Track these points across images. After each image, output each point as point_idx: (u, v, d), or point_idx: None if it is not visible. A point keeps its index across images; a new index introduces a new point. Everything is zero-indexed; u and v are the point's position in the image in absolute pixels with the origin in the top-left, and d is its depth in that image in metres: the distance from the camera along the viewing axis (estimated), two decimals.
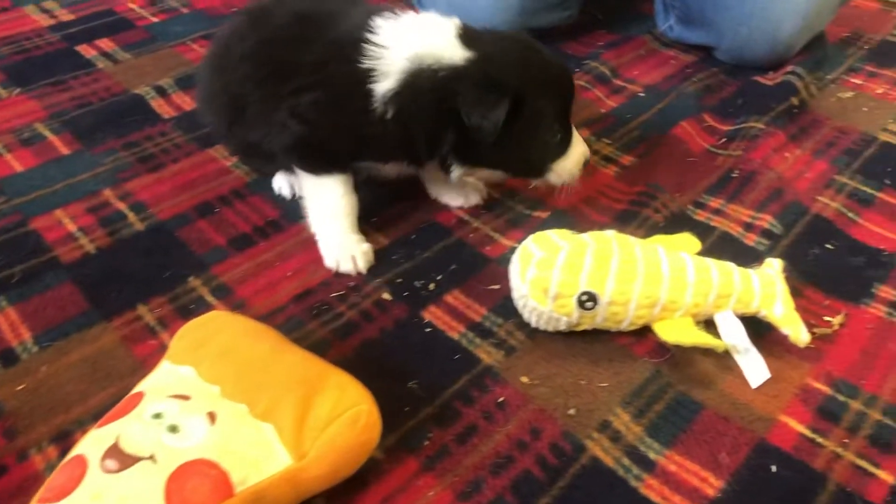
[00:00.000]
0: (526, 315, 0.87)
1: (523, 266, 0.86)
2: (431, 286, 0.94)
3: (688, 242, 0.93)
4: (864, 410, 0.80)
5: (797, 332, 0.85)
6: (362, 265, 0.96)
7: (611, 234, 0.88)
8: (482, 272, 0.96)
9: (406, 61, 0.90)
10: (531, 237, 0.89)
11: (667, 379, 0.83)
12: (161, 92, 1.30)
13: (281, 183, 1.08)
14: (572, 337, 0.87)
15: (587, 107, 1.28)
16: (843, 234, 1.04)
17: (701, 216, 1.06)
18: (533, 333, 0.88)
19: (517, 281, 0.86)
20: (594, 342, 0.87)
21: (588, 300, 0.83)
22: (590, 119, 1.25)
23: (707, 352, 0.85)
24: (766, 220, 1.04)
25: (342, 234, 0.97)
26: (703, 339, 0.83)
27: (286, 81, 0.93)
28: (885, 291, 0.95)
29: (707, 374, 0.84)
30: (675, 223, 1.04)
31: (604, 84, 1.35)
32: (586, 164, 0.99)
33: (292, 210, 1.04)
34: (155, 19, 1.55)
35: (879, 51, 1.49)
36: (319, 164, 0.96)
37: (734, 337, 0.84)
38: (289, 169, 1.04)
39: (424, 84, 0.89)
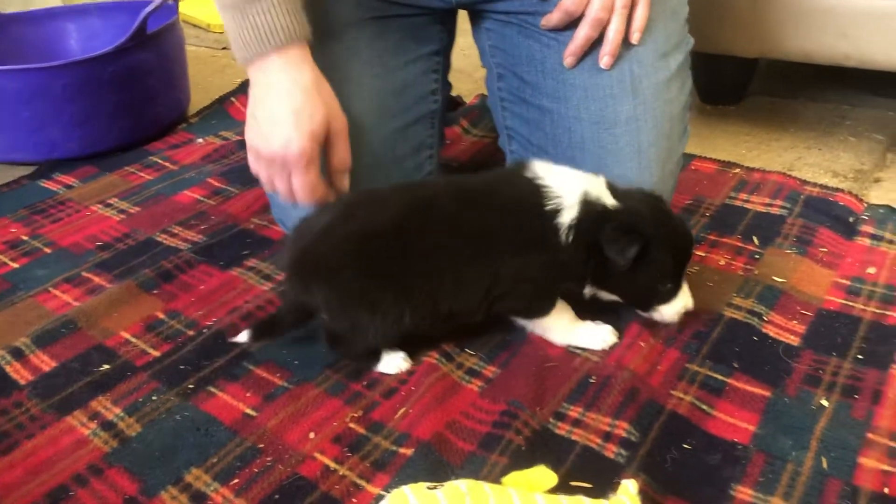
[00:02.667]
0: None
1: None
2: None
3: (543, 477, 0.94)
4: None
5: None
6: (614, 337, 1.23)
7: (464, 488, 0.88)
8: None
9: (580, 196, 1.13)
10: (389, 497, 0.89)
11: None
12: (17, 354, 1.26)
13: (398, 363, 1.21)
14: None
15: None
16: (699, 431, 1.08)
17: (562, 429, 1.08)
18: None
19: None
20: None
21: None
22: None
23: None
24: (624, 428, 1.07)
25: (587, 329, 1.23)
26: None
27: (483, 249, 1.15)
28: (741, 492, 0.98)
29: None
30: (537, 444, 1.05)
31: None
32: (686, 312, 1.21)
33: (153, 484, 1.01)
34: (15, 264, 1.53)
35: (719, 217, 1.59)
36: (545, 308, 1.21)
37: None
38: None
39: (590, 216, 1.13)
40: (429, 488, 0.88)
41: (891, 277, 1.39)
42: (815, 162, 1.85)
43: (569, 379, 1.18)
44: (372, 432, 1.09)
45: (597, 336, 1.23)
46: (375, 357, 1.20)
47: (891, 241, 1.50)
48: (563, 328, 1.23)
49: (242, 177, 1.78)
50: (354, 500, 0.99)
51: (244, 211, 1.68)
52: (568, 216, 1.13)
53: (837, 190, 1.68)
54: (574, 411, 1.11)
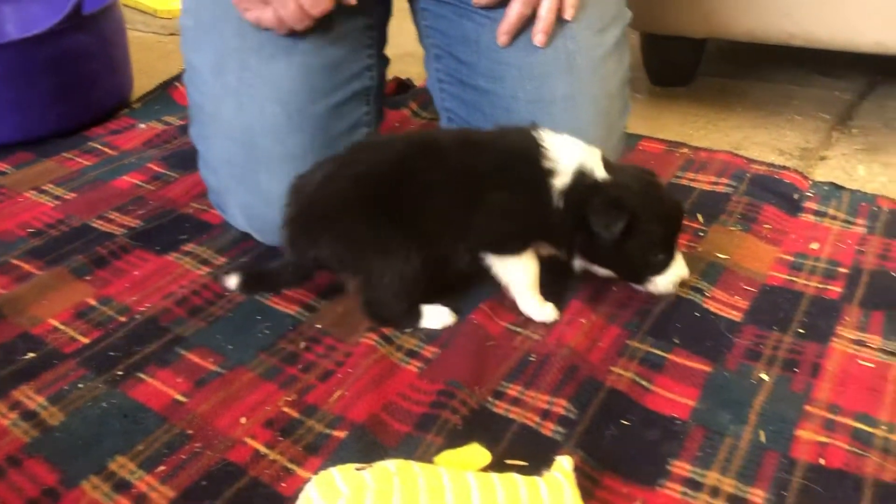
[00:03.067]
0: None
1: None
2: None
3: (476, 455, 0.92)
4: None
5: None
6: (555, 314, 1.23)
7: (393, 468, 0.85)
8: None
9: (576, 165, 1.15)
10: (315, 479, 0.86)
11: None
12: None
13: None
14: None
15: None
16: (638, 407, 1.06)
17: (500, 408, 1.06)
18: None
19: None
20: None
21: None
22: None
23: None
24: (562, 405, 1.05)
25: (533, 294, 1.23)
26: None
27: (476, 187, 1.16)
28: (678, 467, 0.97)
29: None
30: (474, 423, 1.03)
31: None
32: (680, 282, 1.22)
33: (74, 474, 0.97)
34: None
35: None
36: (516, 247, 1.20)
37: None
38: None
39: (581, 187, 1.14)
40: (357, 469, 0.85)
41: (833, 253, 1.39)
42: (762, 141, 1.86)
43: (509, 357, 1.16)
44: (305, 416, 1.06)
45: (541, 309, 1.22)
46: (417, 314, 1.22)
47: (834, 217, 1.50)
48: (523, 284, 1.22)
49: (184, 161, 1.73)
50: (284, 484, 0.96)
51: (184, 195, 1.63)
52: (561, 182, 1.15)
53: (783, 168, 1.68)
54: (513, 390, 1.09)
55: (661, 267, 1.19)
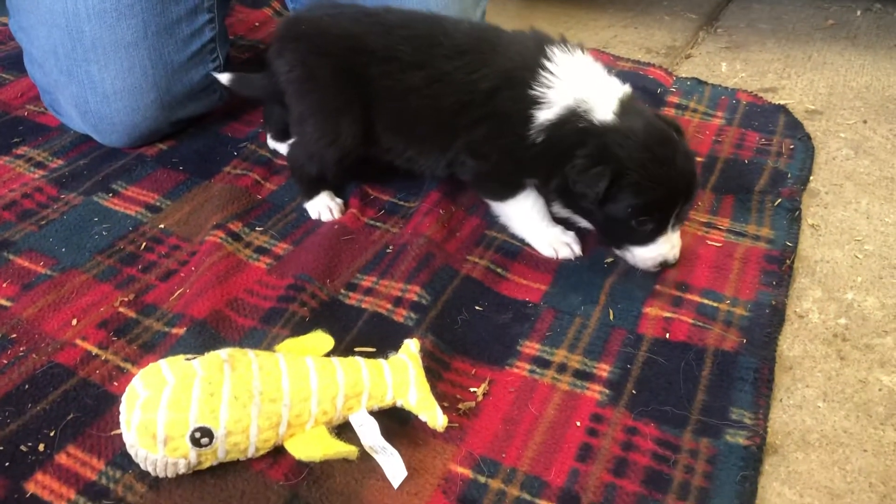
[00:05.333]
0: (141, 465, 0.78)
1: (129, 410, 0.77)
2: (41, 447, 0.82)
3: (318, 342, 0.88)
4: (503, 489, 0.79)
5: (433, 417, 0.82)
6: (577, 249, 1.10)
7: (225, 355, 0.81)
8: (105, 415, 0.86)
9: (571, 98, 0.98)
10: (141, 372, 0.80)
11: (304, 501, 0.77)
12: None
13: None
14: (201, 476, 0.79)
15: (241, 196, 1.21)
16: (491, 293, 1.05)
17: (353, 299, 1.03)
18: (157, 482, 0.79)
19: (124, 429, 0.77)
20: (225, 476, 0.79)
21: (202, 436, 0.76)
22: (244, 210, 1.19)
23: (347, 459, 0.81)
24: (415, 292, 1.03)
25: (546, 231, 1.11)
26: (334, 449, 0.79)
27: (461, 114, 1.03)
28: (528, 347, 0.97)
29: (348, 486, 0.79)
30: (323, 314, 1.00)
31: (263, 166, 1.30)
32: (665, 266, 1.03)
33: None
34: None
35: None
36: (500, 192, 1.09)
37: (369, 438, 0.80)
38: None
39: (569, 126, 0.98)
40: (187, 360, 0.80)
41: (691, 143, 1.40)
42: (631, 40, 1.85)
43: (366, 251, 1.12)
44: (143, 315, 1.00)
45: (549, 241, 1.11)
46: (314, 190, 1.17)
47: (694, 110, 1.51)
48: (523, 220, 1.11)
49: (19, 63, 1.58)
50: (116, 383, 0.90)
51: (18, 98, 1.50)
52: (544, 115, 0.99)
53: (648, 65, 1.68)
54: (367, 281, 1.06)
55: (645, 238, 1.00)
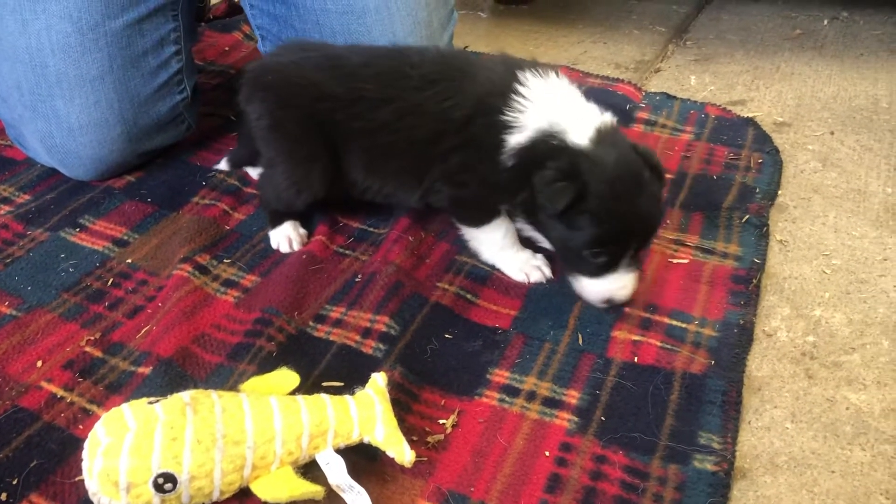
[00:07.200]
0: None
1: (90, 457, 0.76)
2: (4, 496, 0.81)
3: (284, 380, 0.88)
4: None
5: (401, 453, 0.82)
6: (548, 272, 1.10)
7: (187, 398, 0.80)
8: (70, 460, 0.85)
9: (545, 122, 0.98)
10: (103, 417, 0.80)
11: None
12: None
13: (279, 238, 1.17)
14: None
15: (209, 227, 1.21)
16: (461, 319, 1.05)
17: (321, 331, 1.02)
18: None
19: (86, 476, 0.76)
20: None
21: (165, 482, 0.75)
22: (211, 241, 1.18)
23: (314, 500, 0.80)
24: (384, 322, 1.02)
25: (516, 255, 1.11)
26: (300, 489, 0.78)
27: (435, 144, 1.03)
28: (498, 375, 0.96)
29: None
30: (291, 349, 0.99)
31: (232, 195, 1.29)
32: (611, 304, 1.02)
33: None
34: None
35: None
36: (477, 218, 1.09)
37: (336, 476, 0.80)
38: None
39: (542, 146, 0.98)
40: (149, 403, 0.80)
41: (663, 160, 1.40)
42: (600, 55, 1.86)
43: (334, 280, 1.12)
44: (109, 354, 0.99)
45: (520, 266, 1.11)
46: (279, 220, 1.18)
47: (664, 126, 1.52)
48: (494, 245, 1.11)
49: None
50: (81, 426, 0.89)
51: None
52: (515, 140, 0.99)
53: (618, 80, 1.69)
54: (336, 312, 1.06)
55: (597, 271, 1.00)
